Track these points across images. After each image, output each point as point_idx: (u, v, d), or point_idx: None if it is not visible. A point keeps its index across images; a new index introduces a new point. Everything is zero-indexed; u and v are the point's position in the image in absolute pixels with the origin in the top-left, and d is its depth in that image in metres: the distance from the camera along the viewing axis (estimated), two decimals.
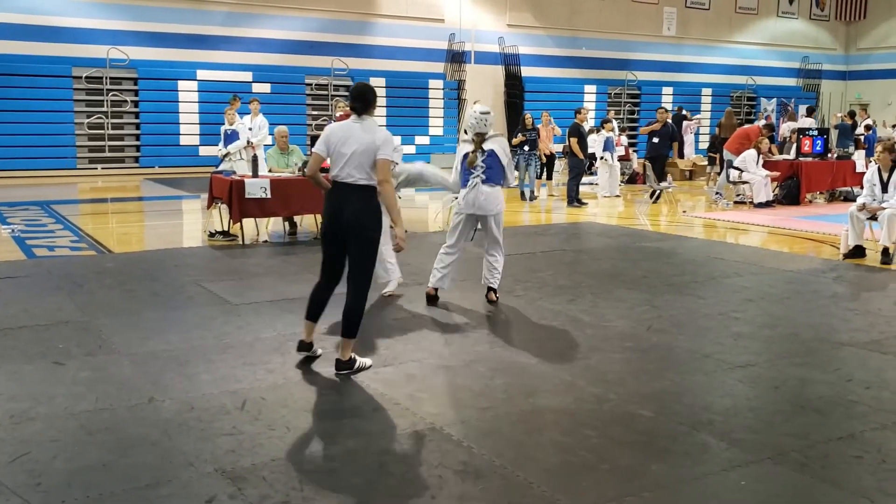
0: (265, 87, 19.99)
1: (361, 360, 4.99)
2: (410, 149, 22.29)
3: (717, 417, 4.30)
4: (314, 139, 10.28)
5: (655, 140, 15.19)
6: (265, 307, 6.56)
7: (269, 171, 10.81)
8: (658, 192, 14.76)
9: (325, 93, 21.06)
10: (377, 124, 4.96)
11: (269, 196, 9.62)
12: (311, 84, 20.95)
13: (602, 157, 16.00)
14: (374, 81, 21.43)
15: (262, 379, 4.83)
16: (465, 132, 7.01)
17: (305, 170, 5.47)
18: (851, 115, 20.03)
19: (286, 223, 10.48)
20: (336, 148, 4.83)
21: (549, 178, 16.14)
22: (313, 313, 5.08)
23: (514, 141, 14.25)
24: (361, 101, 4.90)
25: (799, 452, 3.84)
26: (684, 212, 13.62)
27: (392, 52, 22.19)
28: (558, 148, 17.62)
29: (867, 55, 31.30)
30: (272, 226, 11.01)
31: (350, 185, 4.79)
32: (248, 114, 13.74)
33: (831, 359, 5.37)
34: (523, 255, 9.22)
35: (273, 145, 11.09)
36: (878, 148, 9.34)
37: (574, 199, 14.02)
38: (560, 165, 18.08)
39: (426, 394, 4.59)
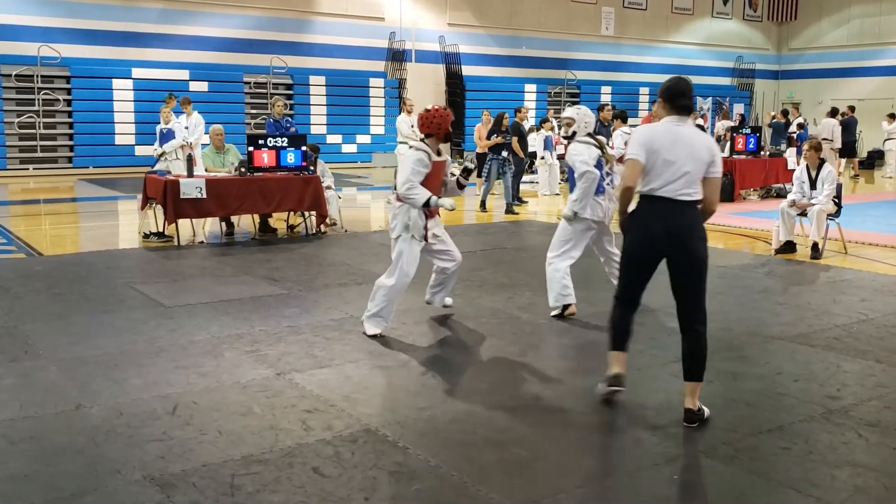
0: (202, 86, 19.66)
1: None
2: (352, 147, 22.19)
3: (650, 412, 4.36)
4: (252, 138, 10.15)
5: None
6: (200, 309, 6.43)
7: (206, 170, 10.63)
8: None
9: (264, 91, 20.80)
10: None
11: (204, 196, 9.45)
12: (249, 83, 20.68)
13: (542, 157, 16.11)
14: (313, 80, 21.33)
15: (195, 383, 4.73)
16: (568, 132, 6.41)
17: (622, 182, 4.23)
18: (784, 113, 20.56)
19: (223, 224, 10.31)
20: (662, 155, 4.05)
21: (480, 176, 16.18)
22: (624, 343, 4.42)
23: (488, 143, 13.66)
24: (689, 99, 4.15)
25: (729, 445, 3.91)
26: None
27: (332, 50, 22.04)
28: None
29: (798, 55, 32.21)
30: (209, 226, 10.82)
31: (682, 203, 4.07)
32: (184, 113, 13.47)
33: (762, 352, 5.49)
34: (463, 253, 9.19)
35: (208, 145, 10.91)
36: (806, 146, 9.59)
37: (515, 197, 14.10)
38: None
39: (362, 395, 4.55)
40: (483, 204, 13.52)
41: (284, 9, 21.21)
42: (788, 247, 9.36)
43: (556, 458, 3.76)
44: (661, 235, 4.07)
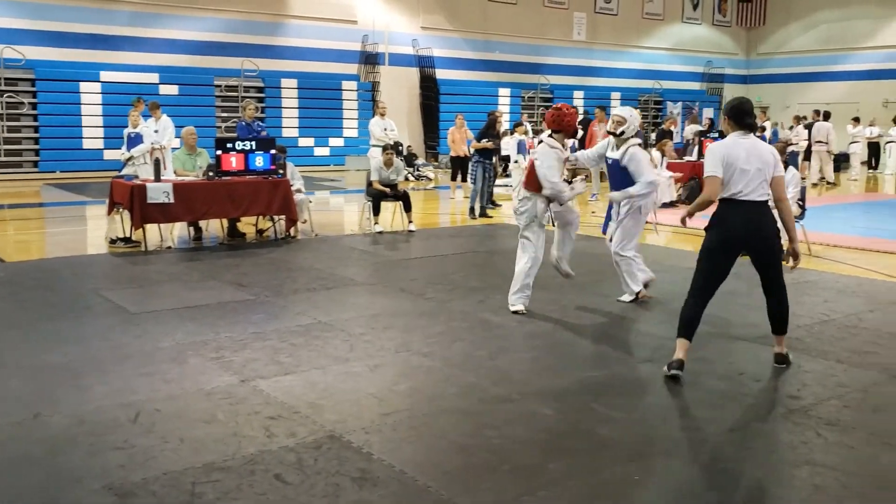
0: (172, 90, 19.52)
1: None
2: (325, 151, 22.12)
3: (616, 414, 4.38)
4: (220, 141, 10.07)
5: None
6: (166, 315, 6.37)
7: (175, 172, 10.55)
8: None
9: (235, 94, 20.68)
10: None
11: (172, 201, 9.37)
12: (220, 86, 20.55)
13: (515, 161, 16.17)
14: (285, 83, 21.26)
15: (159, 390, 4.68)
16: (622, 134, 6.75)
17: (704, 194, 4.94)
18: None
19: (191, 228, 10.23)
20: (737, 165, 4.80)
21: (465, 180, 16.22)
22: (691, 333, 5.02)
23: (478, 145, 13.34)
24: (752, 117, 5.00)
25: (691, 446, 3.95)
26: (593, 213, 13.88)
27: (304, 53, 21.97)
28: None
29: (767, 60, 32.60)
30: (178, 231, 10.74)
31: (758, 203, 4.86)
32: (152, 117, 13.32)
33: (725, 353, 5.55)
34: (436, 256, 9.24)
35: (180, 148, 10.83)
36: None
37: (488, 200, 14.12)
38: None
39: (328, 401, 4.53)
40: (473, 210, 12.91)
41: (256, 11, 21.11)
42: None
43: (522, 461, 3.77)
44: (742, 232, 4.88)
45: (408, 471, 3.65)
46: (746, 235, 4.88)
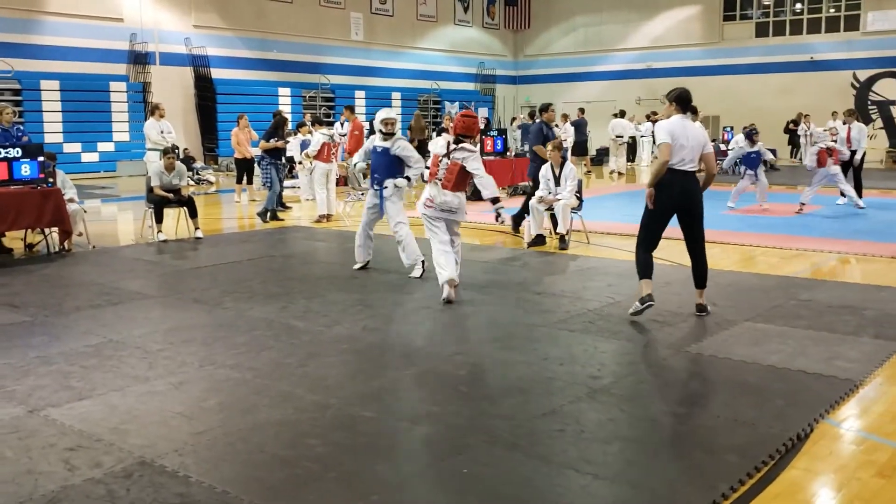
0: None
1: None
2: (94, 157, 20.61)
3: (433, 408, 4.44)
4: None
5: None
6: None
7: None
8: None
9: None
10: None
11: None
12: None
13: (300, 161, 15.94)
14: (45, 84, 19.59)
15: None
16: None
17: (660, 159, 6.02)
18: (532, 115, 21.78)
19: None
20: (678, 140, 5.95)
21: (250, 182, 15.77)
22: (651, 272, 6.26)
23: (267, 146, 13.05)
24: (687, 103, 6.17)
25: (509, 432, 4.08)
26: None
27: (65, 52, 20.35)
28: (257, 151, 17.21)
29: (533, 61, 34.57)
30: None
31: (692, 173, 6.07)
32: None
33: (528, 340, 5.80)
34: (229, 263, 8.89)
35: None
36: (549, 147, 10.29)
37: (278, 202, 13.81)
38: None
39: (132, 425, 4.21)
40: (266, 213, 12.58)
41: (6, 7, 19.23)
42: (539, 240, 10.01)
43: (348, 467, 3.71)
44: (679, 196, 6.05)
45: (230, 490, 3.47)
46: (683, 199, 6.05)
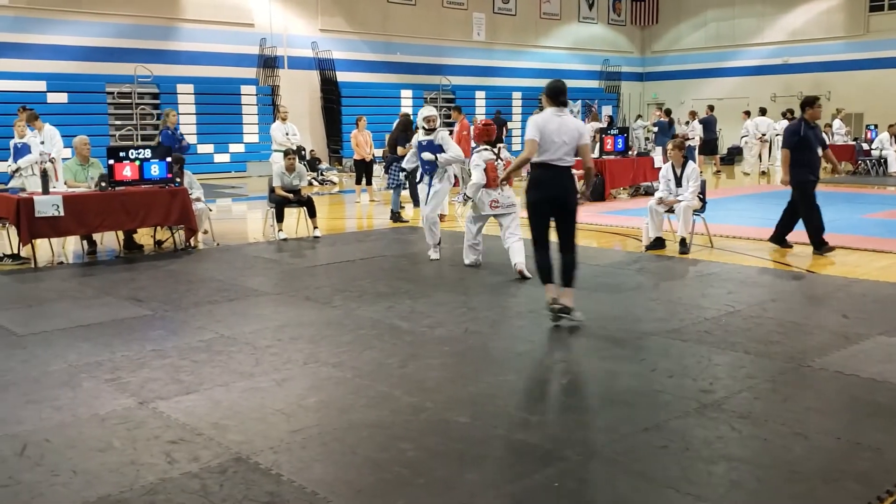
0: (62, 97, 18.62)
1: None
2: (225, 157, 21.52)
3: (531, 417, 4.31)
4: (112, 150, 9.59)
5: None
6: (56, 336, 5.98)
7: (66, 184, 10.01)
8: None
9: (129, 101, 19.90)
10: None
11: (62, 214, 8.86)
12: (112, 92, 19.71)
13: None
14: (181, 88, 20.58)
15: (48, 418, 4.35)
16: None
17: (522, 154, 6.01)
18: (668, 112, 21.15)
19: (84, 242, 9.71)
20: (549, 136, 5.79)
21: (369, 183, 16.02)
22: (550, 276, 6.11)
23: (403, 151, 12.46)
24: (564, 95, 5.97)
25: (608, 447, 3.90)
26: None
27: (200, 57, 21.32)
28: (379, 153, 17.49)
29: (661, 57, 33.57)
30: (72, 245, 10.19)
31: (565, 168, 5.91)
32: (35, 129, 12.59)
33: (636, 349, 5.56)
34: (343, 262, 9.03)
35: (70, 158, 10.28)
36: (670, 146, 9.91)
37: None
38: (380, 170, 17.98)
39: (232, 421, 4.29)
40: (396, 214, 12.68)
41: (147, 16, 20.36)
42: (658, 243, 9.64)
43: (438, 473, 3.64)
44: (552, 190, 5.91)
45: (319, 491, 3.47)
46: (555, 193, 5.92)
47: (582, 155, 5.96)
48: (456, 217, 13.10)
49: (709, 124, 22.08)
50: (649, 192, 14.26)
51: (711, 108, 22.95)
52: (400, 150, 12.98)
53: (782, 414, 4.33)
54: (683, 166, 9.65)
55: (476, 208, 8.32)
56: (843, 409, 4.44)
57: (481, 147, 8.43)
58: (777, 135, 22.93)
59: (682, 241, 9.42)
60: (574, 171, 6.09)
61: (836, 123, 22.89)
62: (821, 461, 3.74)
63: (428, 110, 9.19)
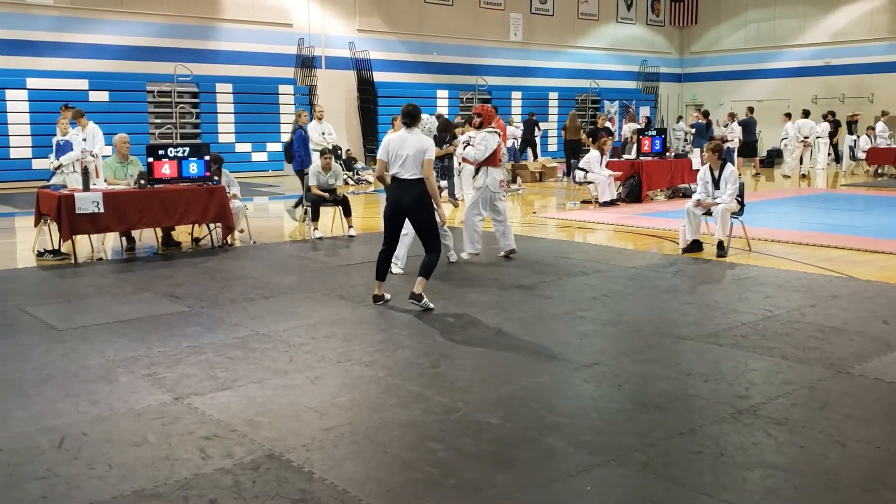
0: (103, 96, 18.92)
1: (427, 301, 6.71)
2: (262, 156, 21.71)
3: (563, 420, 4.29)
4: (151, 148, 9.73)
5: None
6: (94, 331, 6.08)
7: (106, 181, 10.17)
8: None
9: (169, 100, 20.16)
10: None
11: (101, 210, 9.01)
12: (153, 91, 20.00)
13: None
14: (220, 87, 20.81)
15: (85, 412, 4.43)
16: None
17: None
18: (706, 114, 20.89)
19: (123, 239, 9.86)
20: (395, 152, 6.60)
21: None
22: (384, 275, 6.98)
23: (441, 152, 12.33)
24: (411, 117, 6.73)
25: (641, 451, 3.86)
26: (534, 213, 13.88)
27: (239, 57, 21.54)
28: None
29: (700, 58, 33.19)
30: (110, 242, 10.35)
31: (409, 180, 6.62)
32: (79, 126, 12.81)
33: (672, 353, 5.50)
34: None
35: (110, 155, 10.45)
36: (706, 148, 9.79)
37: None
38: None
39: (267, 417, 4.33)
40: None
41: (187, 15, 20.62)
42: (695, 245, 9.53)
43: (469, 474, 3.63)
44: (399, 200, 6.70)
45: (350, 490, 3.48)
46: (403, 203, 6.65)
47: (424, 169, 6.63)
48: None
49: (748, 126, 21.78)
50: (687, 195, 14.11)
51: (751, 109, 22.63)
52: (436, 150, 12.91)
53: (820, 421, 4.25)
54: (721, 168, 9.53)
55: (487, 189, 9.12)
56: (883, 418, 4.34)
57: (489, 129, 9.26)
58: (818, 137, 22.60)
59: (720, 244, 9.30)
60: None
61: (880, 126, 22.45)
62: (859, 470, 3.66)
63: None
